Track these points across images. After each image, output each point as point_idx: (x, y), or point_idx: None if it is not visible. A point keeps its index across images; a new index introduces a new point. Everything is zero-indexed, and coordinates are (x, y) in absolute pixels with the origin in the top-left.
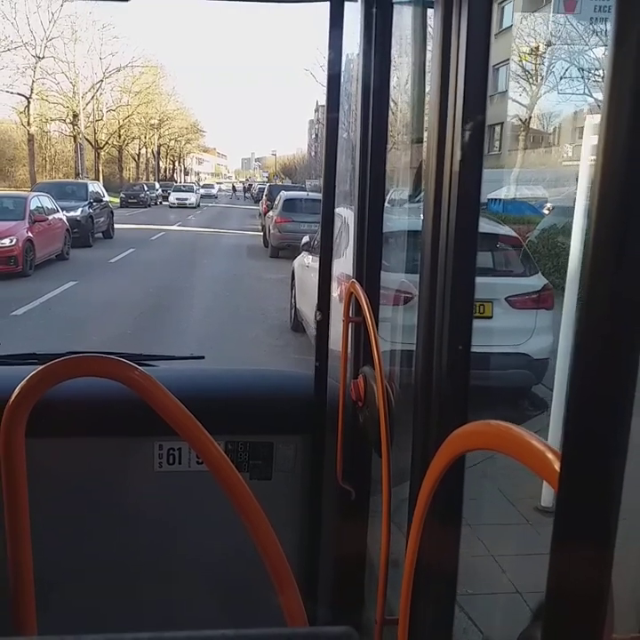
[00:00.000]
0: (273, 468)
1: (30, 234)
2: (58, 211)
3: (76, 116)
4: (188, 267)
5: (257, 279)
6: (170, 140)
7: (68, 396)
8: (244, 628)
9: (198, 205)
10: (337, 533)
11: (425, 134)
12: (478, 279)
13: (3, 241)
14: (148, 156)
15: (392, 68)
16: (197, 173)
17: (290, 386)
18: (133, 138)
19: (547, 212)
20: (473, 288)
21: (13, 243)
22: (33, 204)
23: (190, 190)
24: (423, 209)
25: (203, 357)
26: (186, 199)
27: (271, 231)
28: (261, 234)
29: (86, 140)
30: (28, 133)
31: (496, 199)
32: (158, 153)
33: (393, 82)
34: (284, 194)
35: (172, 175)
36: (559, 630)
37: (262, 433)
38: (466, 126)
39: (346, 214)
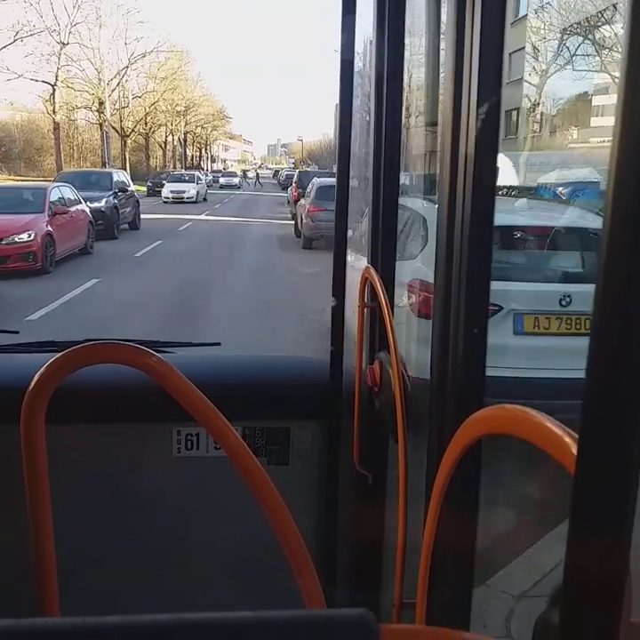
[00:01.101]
0: (290, 453)
1: (50, 228)
2: (80, 202)
3: (101, 103)
4: (218, 260)
5: (290, 273)
6: (196, 126)
7: (85, 383)
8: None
9: (205, 199)
10: (354, 518)
11: (439, 118)
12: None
13: (21, 236)
14: (175, 143)
15: (406, 51)
16: (224, 160)
17: (306, 371)
18: (160, 125)
19: None
20: (489, 272)
21: (32, 238)
22: (53, 196)
23: (191, 180)
24: (437, 193)
25: (219, 344)
26: (183, 192)
27: (303, 220)
28: (291, 222)
29: (112, 127)
30: (54, 122)
31: (548, 185)
32: (185, 140)
33: (407, 66)
34: (317, 181)
35: (199, 162)
36: (576, 614)
37: (279, 418)
38: (480, 110)
39: (417, 206)
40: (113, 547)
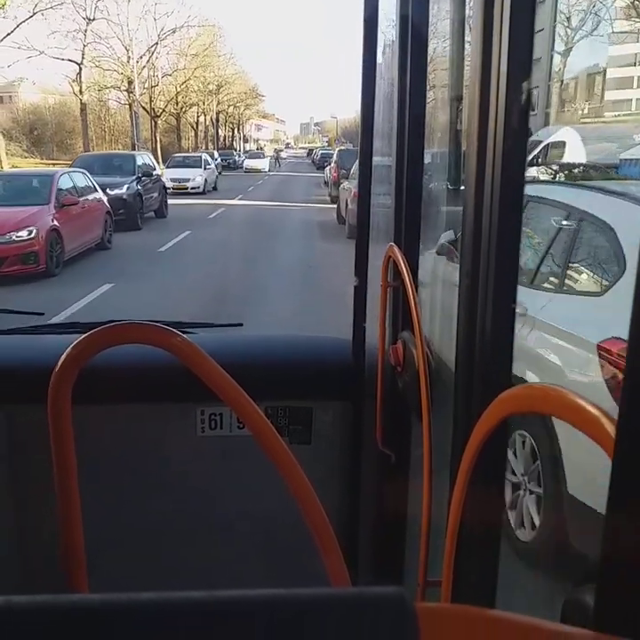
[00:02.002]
0: (312, 432)
1: (56, 222)
2: (96, 189)
3: (130, 82)
4: (253, 255)
5: (335, 270)
6: (229, 106)
7: (109, 364)
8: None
9: (214, 188)
10: (377, 497)
11: (464, 92)
12: None
13: (20, 233)
14: (207, 123)
15: (430, 24)
16: (256, 140)
17: (328, 351)
18: (191, 105)
19: None
20: (517, 247)
21: (33, 235)
22: (62, 184)
23: (196, 164)
24: (465, 167)
25: (241, 325)
26: (186, 180)
27: (349, 206)
28: (331, 206)
29: (142, 107)
30: (80, 102)
31: (633, 159)
32: (217, 120)
33: (431, 41)
34: None
35: (231, 143)
36: (613, 594)
37: (301, 398)
38: (510, 84)
39: (594, 208)
40: (138, 526)
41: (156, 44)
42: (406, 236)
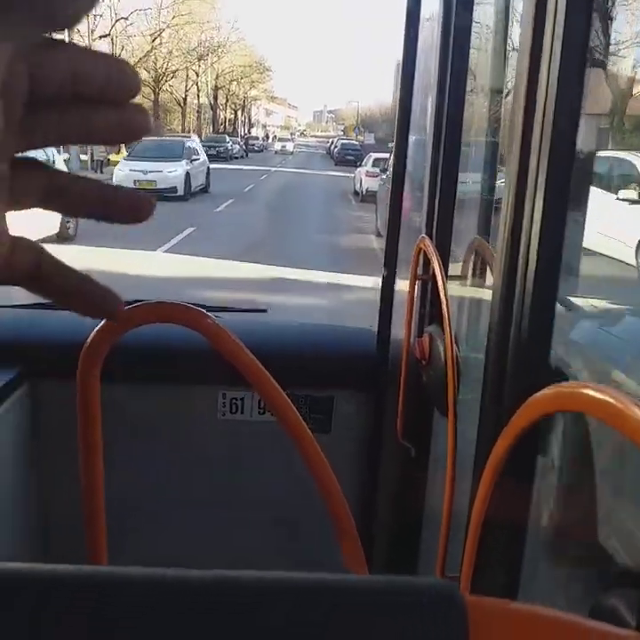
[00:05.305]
0: (333, 422)
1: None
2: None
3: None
4: None
5: None
6: (231, 80)
7: (136, 343)
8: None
9: (205, 190)
10: (395, 490)
11: (506, 83)
12: None
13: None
14: (202, 100)
15: (474, 11)
16: (265, 126)
17: (353, 341)
18: (174, 72)
19: None
20: (562, 241)
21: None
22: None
23: (173, 154)
24: (507, 157)
25: (265, 311)
26: (155, 177)
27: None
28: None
29: None
30: None
31: None
32: (215, 98)
33: (474, 28)
34: None
35: (234, 127)
36: None
37: (323, 387)
38: (561, 77)
39: None
40: (158, 503)
41: None
42: (439, 229)
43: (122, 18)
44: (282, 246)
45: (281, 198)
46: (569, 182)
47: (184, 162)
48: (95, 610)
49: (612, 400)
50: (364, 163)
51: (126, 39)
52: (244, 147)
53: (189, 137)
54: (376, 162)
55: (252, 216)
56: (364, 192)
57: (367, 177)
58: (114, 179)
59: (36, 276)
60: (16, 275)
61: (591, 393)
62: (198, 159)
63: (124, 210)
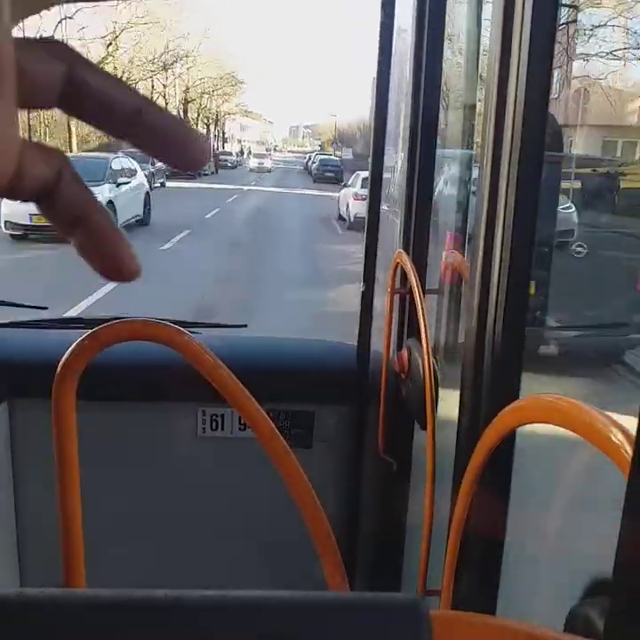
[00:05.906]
0: (314, 437)
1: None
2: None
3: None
4: None
5: None
6: (201, 93)
7: (113, 362)
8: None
9: (142, 221)
10: (377, 504)
11: (477, 97)
12: None
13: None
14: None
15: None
16: (240, 141)
17: (332, 356)
18: (136, 82)
19: None
20: (530, 259)
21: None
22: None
23: (96, 177)
24: (479, 161)
25: (245, 326)
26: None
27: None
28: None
29: None
30: None
31: None
32: (185, 111)
33: (446, 43)
34: None
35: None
36: (625, 613)
37: (304, 402)
38: (529, 79)
39: None
40: (137, 523)
41: None
42: (415, 243)
43: (67, 17)
44: (245, 312)
45: (251, 228)
46: (538, 186)
47: (106, 187)
48: (62, 633)
49: (581, 412)
50: (350, 183)
51: (78, 42)
52: (213, 163)
53: (117, 154)
54: (365, 182)
55: (207, 259)
56: (352, 218)
57: (355, 200)
58: (1, 212)
59: (50, 193)
60: (26, 190)
61: (562, 405)
62: (129, 183)
63: (161, 138)
